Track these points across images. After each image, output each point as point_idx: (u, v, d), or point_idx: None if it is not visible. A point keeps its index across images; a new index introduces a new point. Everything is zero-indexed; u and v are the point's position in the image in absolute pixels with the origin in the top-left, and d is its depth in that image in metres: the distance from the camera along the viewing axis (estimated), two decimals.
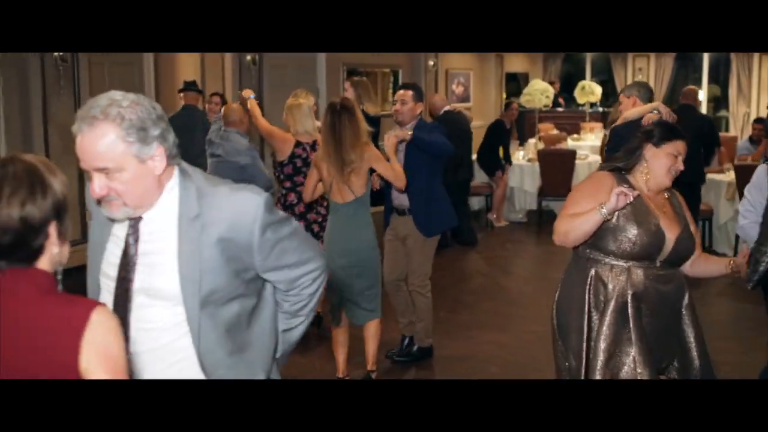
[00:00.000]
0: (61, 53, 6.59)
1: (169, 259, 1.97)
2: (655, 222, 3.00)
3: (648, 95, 5.18)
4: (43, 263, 1.61)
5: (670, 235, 3.02)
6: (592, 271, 3.06)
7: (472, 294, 6.84)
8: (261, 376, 2.15)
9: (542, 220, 9.36)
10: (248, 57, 8.74)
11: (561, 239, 3.04)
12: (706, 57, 14.52)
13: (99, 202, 1.94)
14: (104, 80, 7.92)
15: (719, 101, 15.10)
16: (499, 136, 9.45)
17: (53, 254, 1.62)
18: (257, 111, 5.62)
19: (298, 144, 5.27)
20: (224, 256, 1.99)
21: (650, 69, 14.80)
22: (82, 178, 6.85)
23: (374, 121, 6.60)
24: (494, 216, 9.72)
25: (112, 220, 2.00)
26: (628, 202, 2.83)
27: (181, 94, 7.60)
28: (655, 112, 4.83)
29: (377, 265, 4.54)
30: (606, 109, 14.00)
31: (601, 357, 2.98)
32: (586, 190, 3.10)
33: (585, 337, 3.05)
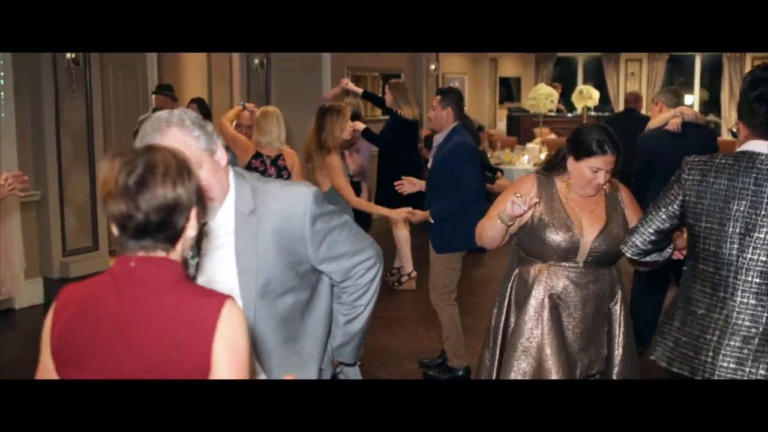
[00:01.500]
0: (73, 55, 6.41)
1: (227, 254, 2.11)
2: (570, 225, 2.98)
3: (674, 100, 5.16)
4: (178, 247, 1.64)
5: (588, 236, 2.99)
6: (517, 270, 3.12)
7: (493, 301, 6.72)
8: (313, 366, 2.28)
9: None
10: (256, 60, 8.58)
11: (478, 242, 3.12)
12: (698, 61, 14.62)
13: None
14: (110, 83, 7.79)
15: (709, 105, 15.22)
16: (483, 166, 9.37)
17: (188, 239, 1.65)
18: (229, 114, 5.34)
19: (257, 155, 4.88)
20: (278, 248, 2.11)
21: (642, 73, 14.89)
22: (94, 183, 6.69)
23: (412, 125, 6.48)
24: None
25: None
26: (521, 211, 2.85)
27: (153, 96, 7.34)
28: (677, 115, 4.80)
29: None
30: (600, 114, 14.04)
31: (515, 354, 3.02)
32: (509, 192, 3.10)
33: (501, 333, 3.11)
